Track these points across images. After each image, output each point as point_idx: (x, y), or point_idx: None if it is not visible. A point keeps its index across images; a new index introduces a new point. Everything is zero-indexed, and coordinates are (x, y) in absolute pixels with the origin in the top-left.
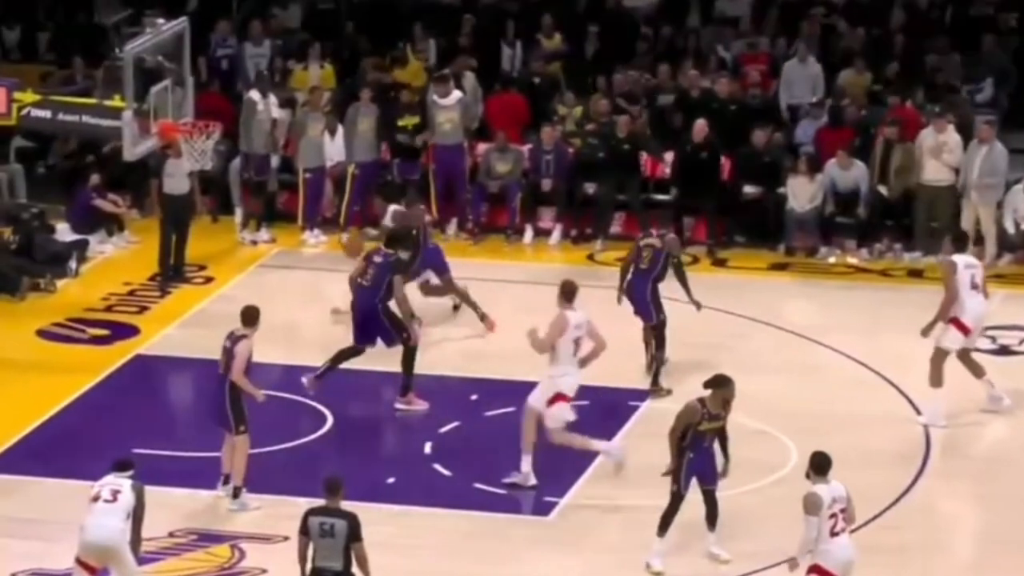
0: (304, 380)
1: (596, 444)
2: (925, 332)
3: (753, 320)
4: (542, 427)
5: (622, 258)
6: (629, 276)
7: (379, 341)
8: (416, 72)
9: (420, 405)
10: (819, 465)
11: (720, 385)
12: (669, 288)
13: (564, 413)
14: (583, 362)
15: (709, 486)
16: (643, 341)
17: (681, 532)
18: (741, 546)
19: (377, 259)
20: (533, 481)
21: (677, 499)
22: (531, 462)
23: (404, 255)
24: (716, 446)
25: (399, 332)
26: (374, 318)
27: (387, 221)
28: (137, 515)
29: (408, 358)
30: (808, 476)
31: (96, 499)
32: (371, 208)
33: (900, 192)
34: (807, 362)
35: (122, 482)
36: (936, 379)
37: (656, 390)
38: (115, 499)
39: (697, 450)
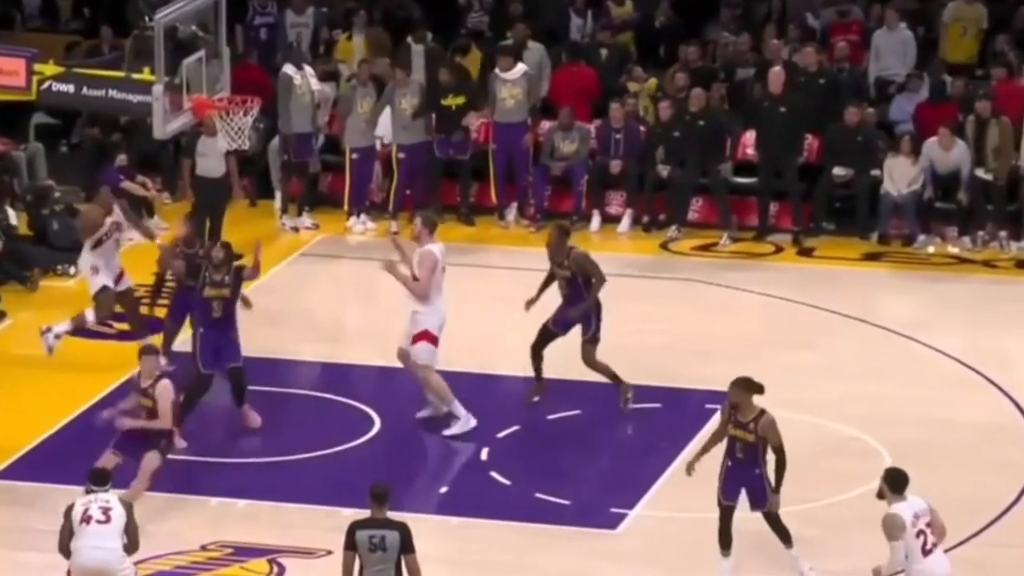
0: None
1: (455, 405)
2: None
3: (843, 316)
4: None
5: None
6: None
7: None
8: (475, 61)
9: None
10: (895, 482)
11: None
12: (758, 281)
13: (427, 351)
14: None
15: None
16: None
17: (764, 546)
18: (829, 564)
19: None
20: (472, 423)
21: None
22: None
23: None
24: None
25: None
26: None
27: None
28: (131, 531)
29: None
30: (881, 496)
31: (87, 520)
32: (422, 193)
33: (1003, 174)
34: (903, 362)
35: (107, 497)
36: None
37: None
38: (108, 519)
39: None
